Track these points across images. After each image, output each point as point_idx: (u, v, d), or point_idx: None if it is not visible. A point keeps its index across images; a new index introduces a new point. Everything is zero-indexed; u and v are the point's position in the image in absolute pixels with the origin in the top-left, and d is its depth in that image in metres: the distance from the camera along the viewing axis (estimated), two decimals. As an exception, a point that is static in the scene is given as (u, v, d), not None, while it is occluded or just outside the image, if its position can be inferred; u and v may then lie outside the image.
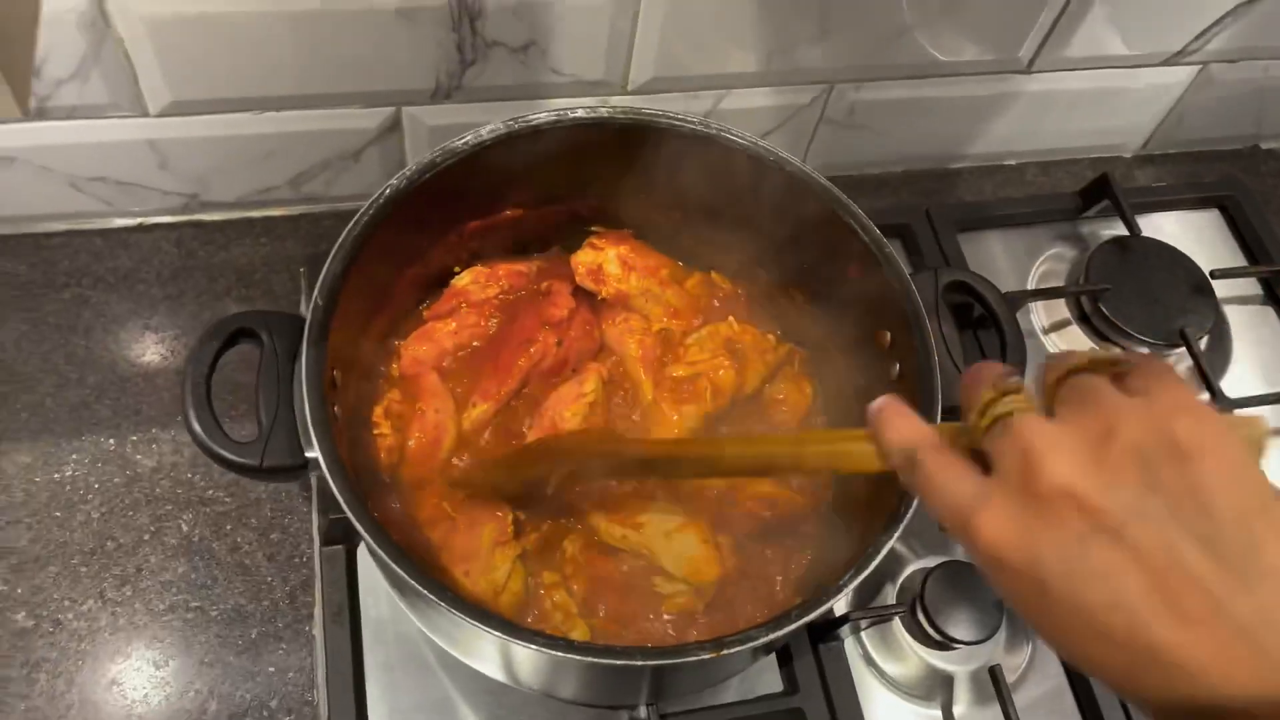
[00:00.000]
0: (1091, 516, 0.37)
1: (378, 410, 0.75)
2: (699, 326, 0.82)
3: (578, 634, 0.68)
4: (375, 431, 0.74)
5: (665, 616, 0.71)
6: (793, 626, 0.57)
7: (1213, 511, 0.36)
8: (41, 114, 0.82)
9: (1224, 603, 0.35)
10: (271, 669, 0.78)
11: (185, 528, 0.82)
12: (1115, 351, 0.42)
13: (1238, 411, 0.94)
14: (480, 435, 0.77)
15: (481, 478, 0.74)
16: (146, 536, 0.81)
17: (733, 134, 0.74)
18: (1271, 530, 0.36)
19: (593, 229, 0.84)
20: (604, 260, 0.82)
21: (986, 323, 0.84)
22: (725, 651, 0.56)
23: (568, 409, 0.76)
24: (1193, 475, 0.37)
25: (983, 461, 0.42)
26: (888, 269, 0.71)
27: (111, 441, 0.85)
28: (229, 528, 0.82)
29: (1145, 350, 0.99)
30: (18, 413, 0.85)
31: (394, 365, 0.78)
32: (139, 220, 0.96)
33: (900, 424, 0.47)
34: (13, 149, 0.85)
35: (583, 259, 0.82)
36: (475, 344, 0.79)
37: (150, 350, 0.89)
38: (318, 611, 0.78)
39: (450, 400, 0.76)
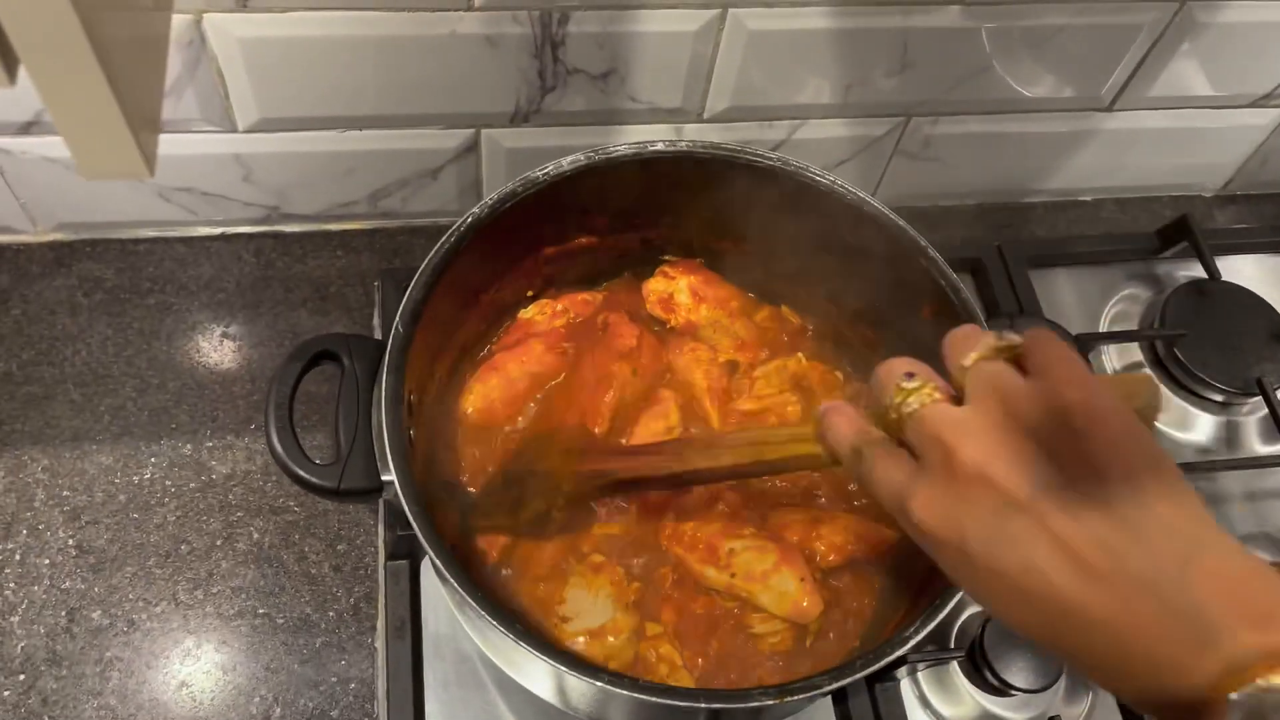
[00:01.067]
0: (1002, 493, 0.41)
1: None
2: (766, 360, 0.82)
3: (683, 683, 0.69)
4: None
5: (765, 654, 0.71)
6: (856, 676, 0.57)
7: (1106, 476, 0.40)
8: (136, 127, 0.85)
9: (1123, 558, 0.39)
10: (334, 679, 0.79)
11: (256, 535, 0.84)
12: (1010, 336, 0.46)
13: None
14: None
15: (488, 525, 0.74)
16: (219, 542, 0.83)
17: (811, 172, 0.74)
18: (1159, 487, 0.40)
19: (664, 258, 0.85)
20: (675, 290, 0.82)
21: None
22: (788, 699, 0.56)
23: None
24: (1084, 445, 0.41)
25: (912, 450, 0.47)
26: (963, 313, 0.70)
27: (189, 447, 0.87)
28: (297, 537, 0.84)
29: (1219, 398, 0.97)
30: (101, 415, 0.88)
31: (466, 401, 0.78)
32: (221, 230, 0.98)
33: (842, 424, 0.51)
34: (106, 159, 0.88)
35: (654, 287, 0.83)
36: (544, 377, 0.79)
37: (228, 358, 0.92)
38: (380, 624, 0.80)
39: None
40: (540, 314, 0.81)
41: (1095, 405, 0.41)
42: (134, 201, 0.93)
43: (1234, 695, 0.35)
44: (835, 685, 0.57)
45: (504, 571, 0.73)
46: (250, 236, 0.99)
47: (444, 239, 0.69)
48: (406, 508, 0.59)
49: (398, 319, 0.65)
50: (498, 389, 0.78)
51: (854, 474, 0.50)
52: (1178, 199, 1.15)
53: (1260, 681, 0.35)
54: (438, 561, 0.58)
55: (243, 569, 0.83)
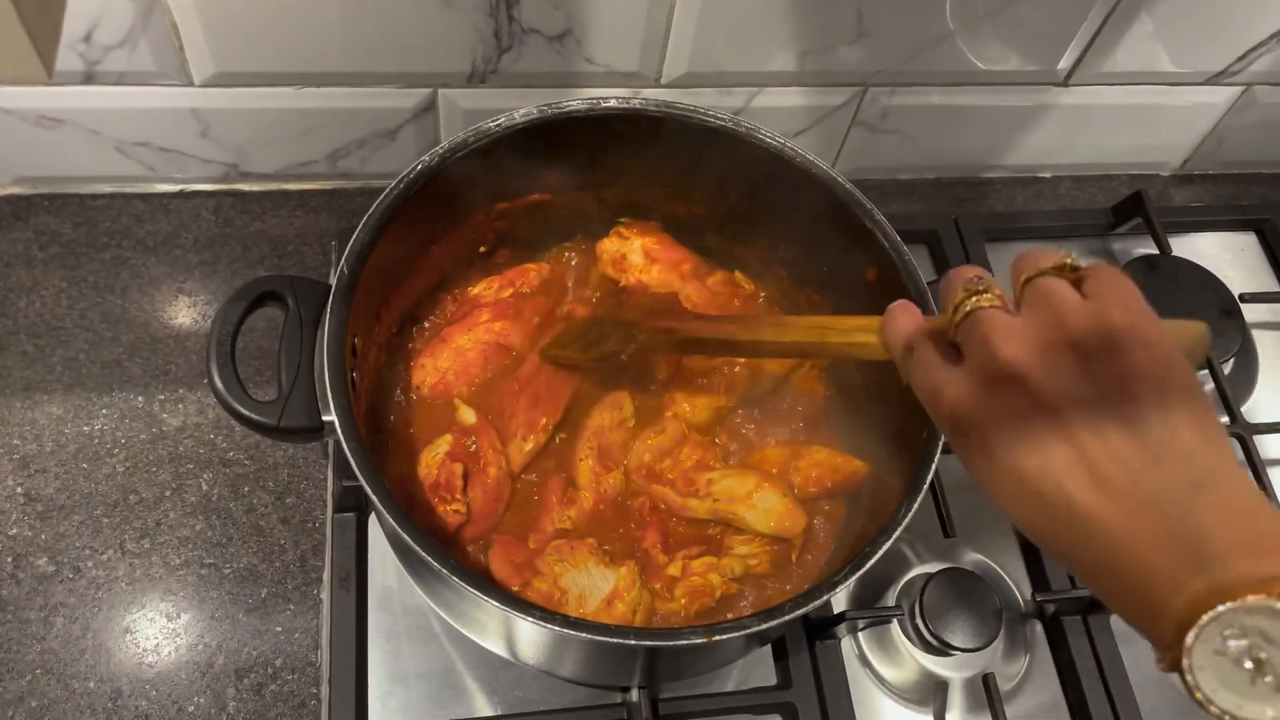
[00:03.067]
0: (1033, 396, 0.42)
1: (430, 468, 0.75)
2: None
3: None
4: (451, 508, 0.73)
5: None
6: (786, 618, 0.58)
7: (1138, 398, 0.41)
8: (90, 79, 0.85)
9: (1138, 475, 0.40)
10: (279, 629, 0.80)
11: (205, 486, 0.84)
12: (1074, 258, 0.47)
13: (1257, 438, 0.93)
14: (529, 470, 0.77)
15: (562, 354, 0.78)
16: (168, 493, 0.84)
17: (762, 133, 0.75)
18: (1188, 416, 0.41)
19: (620, 220, 0.85)
20: (629, 250, 0.83)
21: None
22: (717, 638, 0.57)
23: (614, 435, 0.78)
24: (1122, 365, 0.41)
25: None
26: (905, 274, 0.71)
27: (140, 399, 0.87)
28: (247, 489, 0.85)
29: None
30: (53, 366, 0.88)
31: (417, 377, 0.78)
32: (180, 187, 0.98)
33: (902, 319, 0.53)
34: (63, 111, 0.88)
35: (608, 247, 0.84)
36: (495, 346, 0.79)
37: (183, 313, 0.92)
38: (326, 576, 0.80)
39: (497, 444, 0.76)
40: (486, 288, 0.82)
41: (1141, 329, 0.42)
42: (92, 156, 0.93)
43: (1221, 607, 0.36)
44: (764, 626, 0.58)
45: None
46: (209, 194, 0.99)
47: (394, 183, 0.69)
48: (346, 446, 0.60)
49: (343, 261, 0.66)
50: (448, 360, 0.78)
51: (901, 369, 0.52)
52: (1135, 178, 1.16)
53: (1250, 599, 0.36)
54: (375, 498, 0.59)
55: (191, 520, 0.83)
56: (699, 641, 0.57)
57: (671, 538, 0.76)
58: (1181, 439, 0.40)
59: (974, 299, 0.47)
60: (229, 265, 0.95)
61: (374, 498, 0.58)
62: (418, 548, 0.57)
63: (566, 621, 0.56)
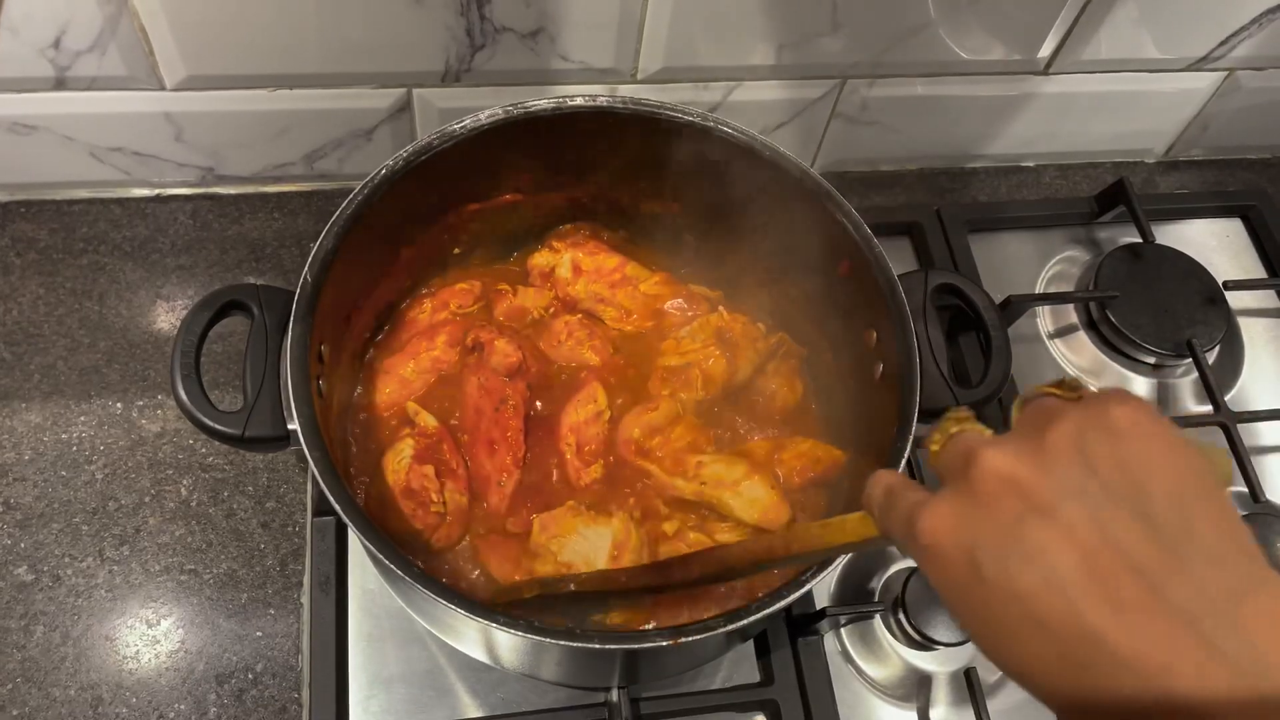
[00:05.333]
0: (1026, 498, 0.36)
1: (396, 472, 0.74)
2: (678, 326, 0.82)
3: None
4: (432, 509, 0.72)
5: None
6: (752, 618, 0.58)
7: (1148, 489, 0.35)
8: (62, 84, 0.84)
9: (1160, 585, 0.33)
10: (259, 634, 0.80)
11: (184, 492, 0.84)
12: (1077, 380, 0.41)
13: (1241, 426, 0.92)
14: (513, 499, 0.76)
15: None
16: (147, 499, 0.84)
17: (729, 127, 0.74)
18: (1209, 511, 0.34)
19: (556, 228, 0.85)
20: (558, 263, 0.84)
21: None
22: (683, 639, 0.57)
23: (591, 429, 0.77)
24: (1127, 452, 0.36)
25: None
26: (875, 268, 0.71)
27: (119, 405, 0.87)
28: (226, 494, 0.85)
29: (1151, 360, 0.97)
30: (31, 374, 0.88)
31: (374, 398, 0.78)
32: (156, 191, 0.98)
33: (883, 474, 0.47)
34: (35, 117, 0.88)
35: (538, 261, 0.85)
36: (438, 369, 0.79)
37: (161, 318, 0.92)
38: (306, 580, 0.80)
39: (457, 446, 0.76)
40: (421, 312, 0.82)
41: (1142, 419, 0.36)
42: (67, 161, 0.93)
43: None
44: (731, 627, 0.58)
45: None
46: (186, 198, 0.98)
47: (357, 190, 0.69)
48: (309, 455, 0.60)
49: (306, 268, 0.65)
50: (394, 392, 0.78)
51: (880, 520, 0.45)
52: (1120, 165, 1.15)
53: None
54: (339, 508, 0.58)
55: (170, 525, 0.83)
56: (665, 644, 0.57)
57: (651, 518, 0.76)
58: (1201, 536, 0.34)
59: (958, 425, 0.42)
60: (207, 269, 0.95)
61: (338, 508, 0.58)
62: (383, 557, 0.57)
63: (530, 627, 0.56)
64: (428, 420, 0.76)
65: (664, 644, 0.57)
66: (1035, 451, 0.37)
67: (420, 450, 0.73)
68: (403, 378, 0.78)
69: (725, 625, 0.58)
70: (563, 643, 0.57)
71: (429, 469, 0.72)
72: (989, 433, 0.42)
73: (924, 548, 0.39)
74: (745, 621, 0.58)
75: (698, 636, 0.57)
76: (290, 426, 0.62)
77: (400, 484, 0.71)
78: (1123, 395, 0.38)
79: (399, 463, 0.72)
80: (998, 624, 0.36)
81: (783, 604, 0.58)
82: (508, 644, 0.67)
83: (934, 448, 0.43)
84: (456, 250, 0.83)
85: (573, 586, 0.67)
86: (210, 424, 0.62)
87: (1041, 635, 0.34)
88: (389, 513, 0.71)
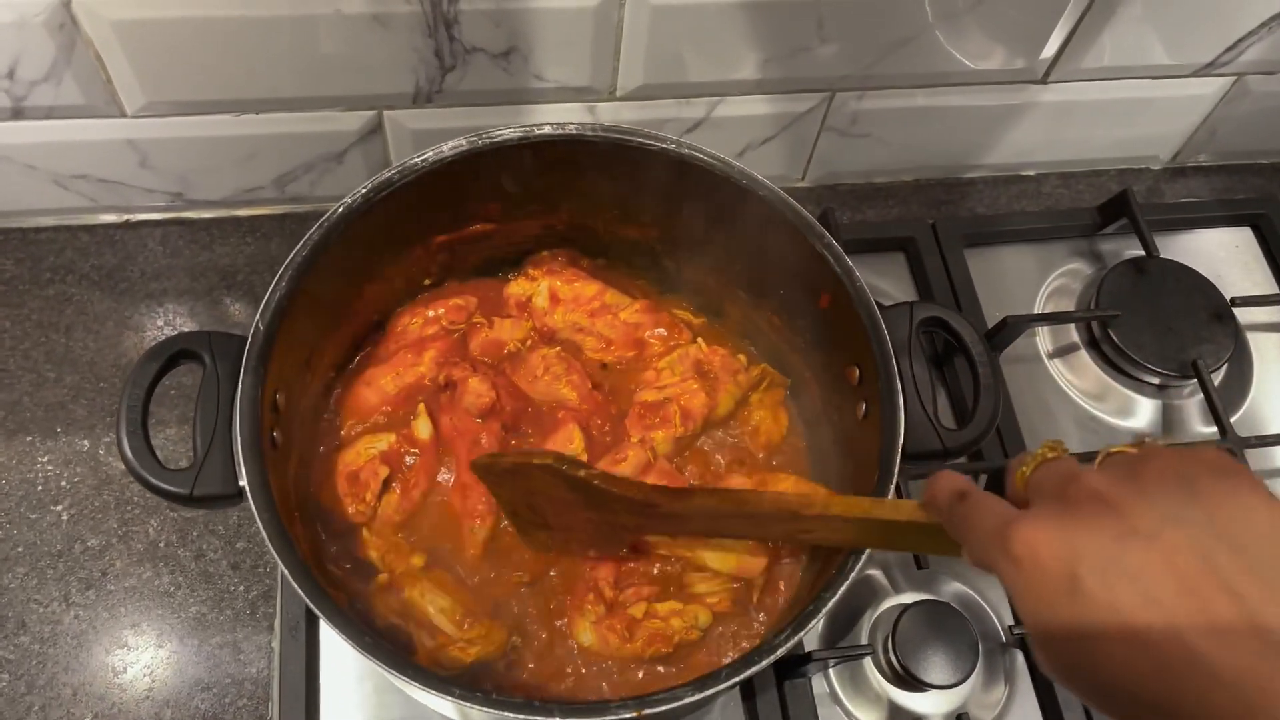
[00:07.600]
0: (1128, 519, 0.38)
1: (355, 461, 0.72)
2: (659, 356, 0.79)
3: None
4: (358, 507, 0.71)
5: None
6: (721, 687, 0.55)
7: (1246, 526, 0.36)
8: (19, 114, 0.82)
9: (1257, 612, 0.34)
10: (228, 679, 0.78)
11: (152, 533, 0.82)
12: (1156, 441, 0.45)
13: (1249, 452, 0.88)
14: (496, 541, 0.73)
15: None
16: (114, 540, 0.82)
17: (703, 155, 0.71)
18: None
19: (533, 256, 0.82)
20: (535, 292, 0.80)
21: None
22: (647, 711, 0.54)
23: None
24: (1231, 486, 0.37)
25: None
26: (857, 302, 0.67)
27: (85, 442, 0.85)
28: (195, 534, 0.82)
29: (1155, 380, 0.94)
30: (-4, 410, 0.86)
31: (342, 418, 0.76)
32: (125, 217, 0.95)
33: (948, 476, 0.49)
34: (-3, 146, 0.86)
35: (514, 290, 0.81)
36: (420, 386, 0.76)
37: (129, 350, 0.90)
38: (277, 625, 0.78)
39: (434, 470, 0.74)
40: (412, 322, 0.79)
41: (1237, 464, 0.39)
42: (31, 190, 0.90)
43: None
44: (698, 696, 0.55)
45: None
46: (156, 223, 0.96)
47: (311, 231, 0.66)
48: (256, 515, 0.57)
49: (258, 317, 0.63)
50: (374, 403, 0.76)
51: (949, 520, 0.47)
52: (1125, 172, 1.11)
53: None
54: (290, 576, 0.56)
55: (138, 568, 0.81)
56: (628, 716, 0.54)
57: (624, 573, 0.73)
58: None
59: (1053, 453, 0.45)
60: (177, 297, 0.92)
61: (289, 575, 0.55)
62: (335, 627, 0.55)
63: (484, 699, 0.54)
64: (422, 429, 0.73)
65: (627, 716, 0.54)
66: (1137, 478, 0.39)
67: (391, 452, 0.70)
68: (377, 383, 0.75)
69: (693, 694, 0.55)
70: (522, 716, 0.54)
71: (384, 470, 0.70)
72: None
73: (1017, 558, 0.40)
74: (712, 691, 0.55)
75: (664, 707, 0.54)
76: (242, 484, 0.60)
77: (352, 466, 0.69)
78: (1212, 444, 0.40)
79: (368, 450, 0.70)
80: (1091, 637, 0.37)
81: (755, 669, 0.56)
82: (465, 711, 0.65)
83: (1025, 470, 0.45)
84: (426, 281, 0.80)
85: (582, 473, 0.62)
86: (157, 483, 0.59)
87: (1136, 650, 0.36)
88: (327, 484, 0.70)
